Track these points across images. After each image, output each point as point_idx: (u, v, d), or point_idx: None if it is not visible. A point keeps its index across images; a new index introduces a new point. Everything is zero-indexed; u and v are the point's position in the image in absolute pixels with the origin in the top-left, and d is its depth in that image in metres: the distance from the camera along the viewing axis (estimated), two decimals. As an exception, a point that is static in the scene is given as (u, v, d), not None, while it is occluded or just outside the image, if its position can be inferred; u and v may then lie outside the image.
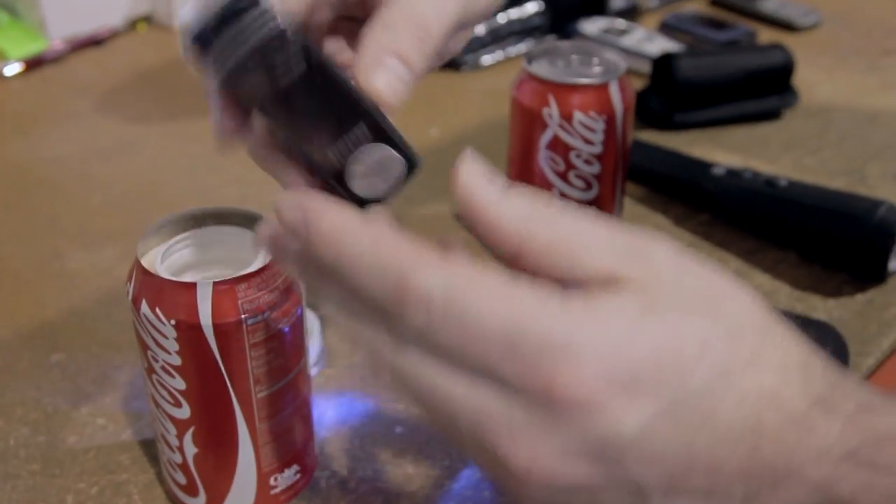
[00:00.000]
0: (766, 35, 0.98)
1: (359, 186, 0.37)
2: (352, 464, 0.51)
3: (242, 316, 0.42)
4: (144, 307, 0.42)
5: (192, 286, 0.41)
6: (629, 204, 0.71)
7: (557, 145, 0.59)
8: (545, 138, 0.59)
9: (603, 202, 0.62)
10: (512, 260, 0.35)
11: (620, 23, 0.96)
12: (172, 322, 0.41)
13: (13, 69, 0.91)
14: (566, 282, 0.34)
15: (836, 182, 0.74)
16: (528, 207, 0.35)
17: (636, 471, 0.33)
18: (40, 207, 0.73)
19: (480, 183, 0.35)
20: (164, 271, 0.43)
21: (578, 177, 0.60)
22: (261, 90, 0.37)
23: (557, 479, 0.33)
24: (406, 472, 0.50)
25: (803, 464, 0.33)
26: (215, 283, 0.41)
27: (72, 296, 0.63)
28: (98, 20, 0.97)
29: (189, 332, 0.41)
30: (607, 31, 0.94)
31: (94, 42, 0.97)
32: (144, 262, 0.43)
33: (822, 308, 0.63)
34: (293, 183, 0.40)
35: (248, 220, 0.46)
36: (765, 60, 0.84)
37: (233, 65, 0.36)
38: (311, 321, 0.56)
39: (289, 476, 0.47)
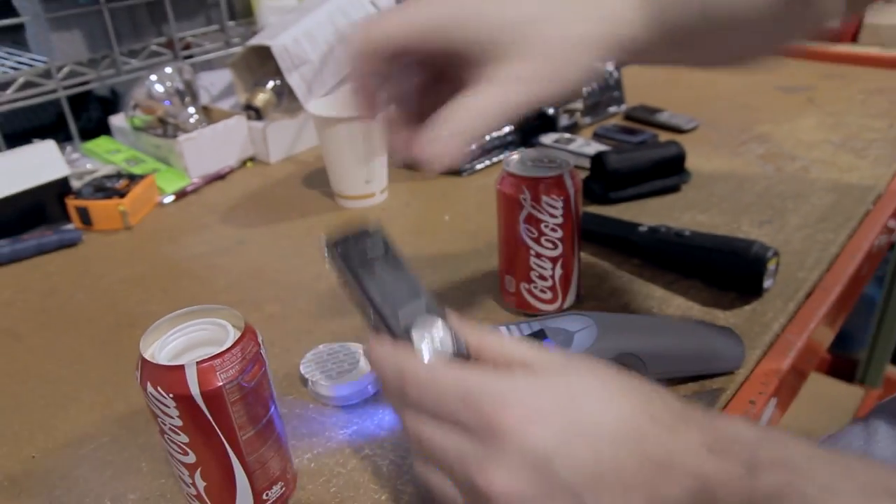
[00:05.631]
0: (663, 136, 0.96)
1: (420, 342, 0.38)
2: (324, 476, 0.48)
3: (221, 383, 0.38)
4: (149, 387, 0.39)
5: (181, 367, 0.38)
6: (584, 256, 0.68)
7: (531, 220, 0.56)
8: (523, 215, 0.57)
9: (566, 256, 0.59)
10: (476, 354, 0.38)
11: (567, 135, 0.94)
12: (171, 395, 0.38)
13: (169, 199, 0.89)
14: (504, 365, 0.36)
15: (721, 230, 0.72)
16: (482, 330, 0.39)
17: (564, 475, 0.32)
18: (185, 290, 0.71)
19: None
20: (162, 359, 0.40)
21: (548, 241, 0.57)
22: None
23: (513, 492, 0.32)
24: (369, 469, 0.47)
25: (679, 454, 0.32)
26: (198, 363, 0.38)
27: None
28: (221, 163, 0.96)
29: (184, 401, 0.38)
30: (558, 141, 0.92)
31: (219, 177, 0.95)
32: (146, 355, 0.40)
33: (723, 317, 0.60)
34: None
35: (220, 313, 0.43)
36: (666, 152, 0.81)
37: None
38: None
39: (276, 491, 0.44)
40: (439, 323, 0.38)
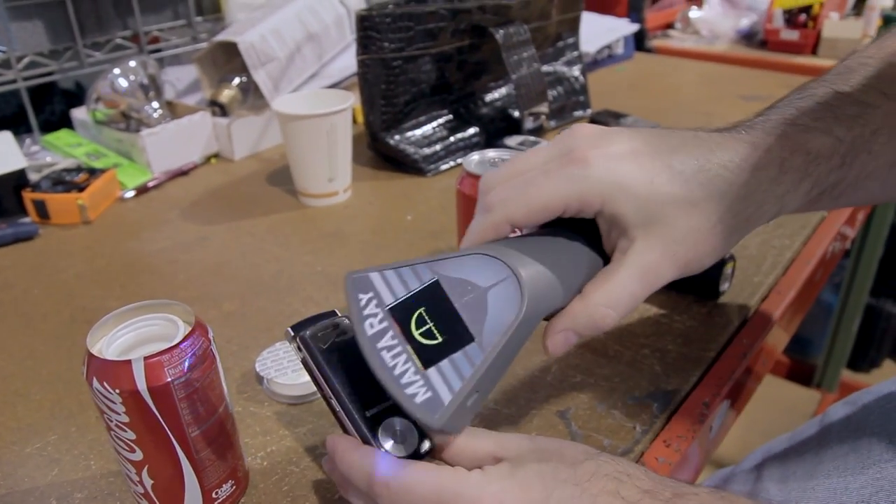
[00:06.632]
0: (627, 141, 0.96)
1: (386, 443, 0.37)
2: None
3: (169, 379, 0.37)
4: (95, 382, 0.37)
5: (128, 362, 0.37)
6: (544, 257, 0.67)
7: (490, 220, 0.56)
8: (482, 216, 0.56)
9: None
10: (444, 453, 0.37)
11: (531, 138, 0.93)
12: (117, 391, 0.37)
13: (130, 194, 0.87)
14: (472, 464, 0.36)
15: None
16: None
17: None
18: (144, 286, 0.69)
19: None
20: (110, 354, 0.39)
21: (506, 241, 0.57)
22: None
23: None
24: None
25: None
26: (146, 358, 0.37)
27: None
28: (185, 158, 0.94)
29: (130, 397, 0.37)
30: (522, 143, 0.91)
31: (181, 173, 0.93)
32: (94, 350, 0.38)
33: (680, 320, 0.59)
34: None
35: (170, 308, 0.42)
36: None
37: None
38: None
39: (226, 489, 0.43)
40: (408, 423, 0.37)
